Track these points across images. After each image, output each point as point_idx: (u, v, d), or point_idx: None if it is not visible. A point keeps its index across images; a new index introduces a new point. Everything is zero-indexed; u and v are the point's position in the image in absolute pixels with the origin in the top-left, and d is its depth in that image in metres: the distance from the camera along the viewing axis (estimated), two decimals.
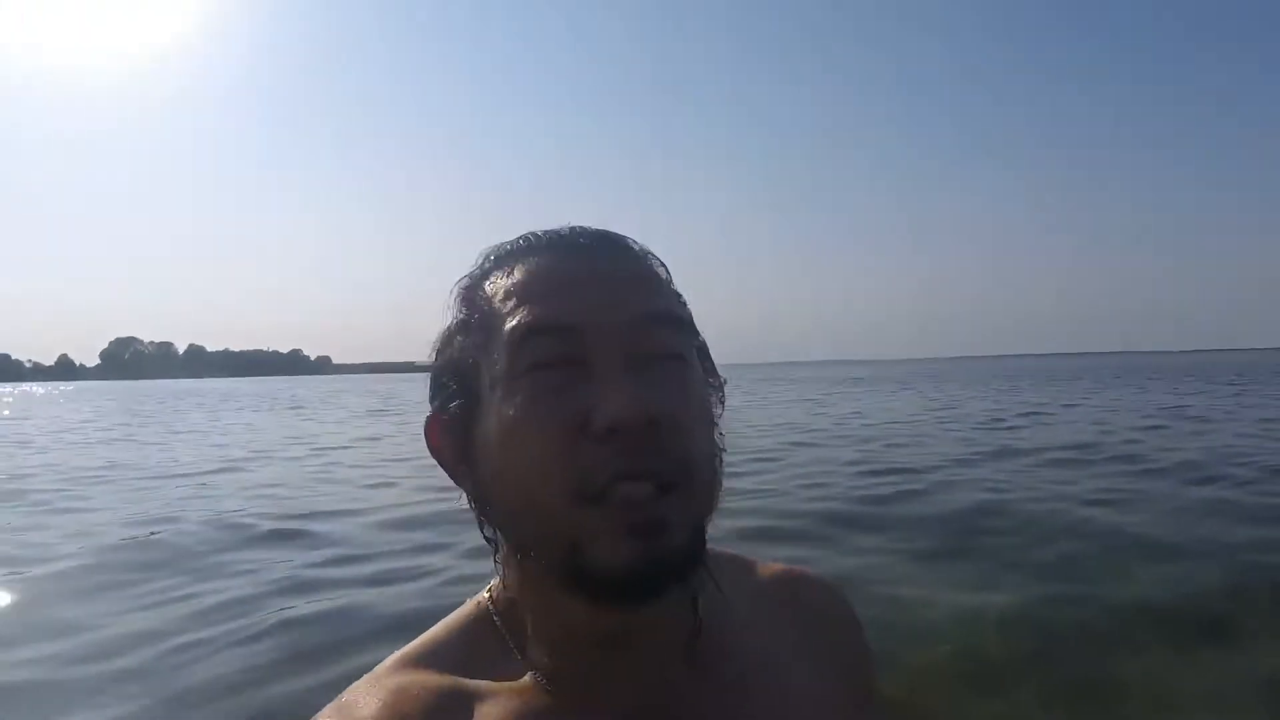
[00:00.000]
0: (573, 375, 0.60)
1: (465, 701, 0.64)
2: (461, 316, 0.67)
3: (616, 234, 0.69)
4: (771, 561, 0.83)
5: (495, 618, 0.70)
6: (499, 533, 0.66)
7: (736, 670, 0.70)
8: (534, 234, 0.68)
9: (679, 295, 0.69)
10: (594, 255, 0.65)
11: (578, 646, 0.65)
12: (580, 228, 0.67)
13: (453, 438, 0.66)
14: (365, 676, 0.68)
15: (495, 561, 0.70)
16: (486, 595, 0.73)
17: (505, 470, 0.61)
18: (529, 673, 0.66)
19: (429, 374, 0.70)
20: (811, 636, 0.76)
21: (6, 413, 31.69)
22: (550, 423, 0.59)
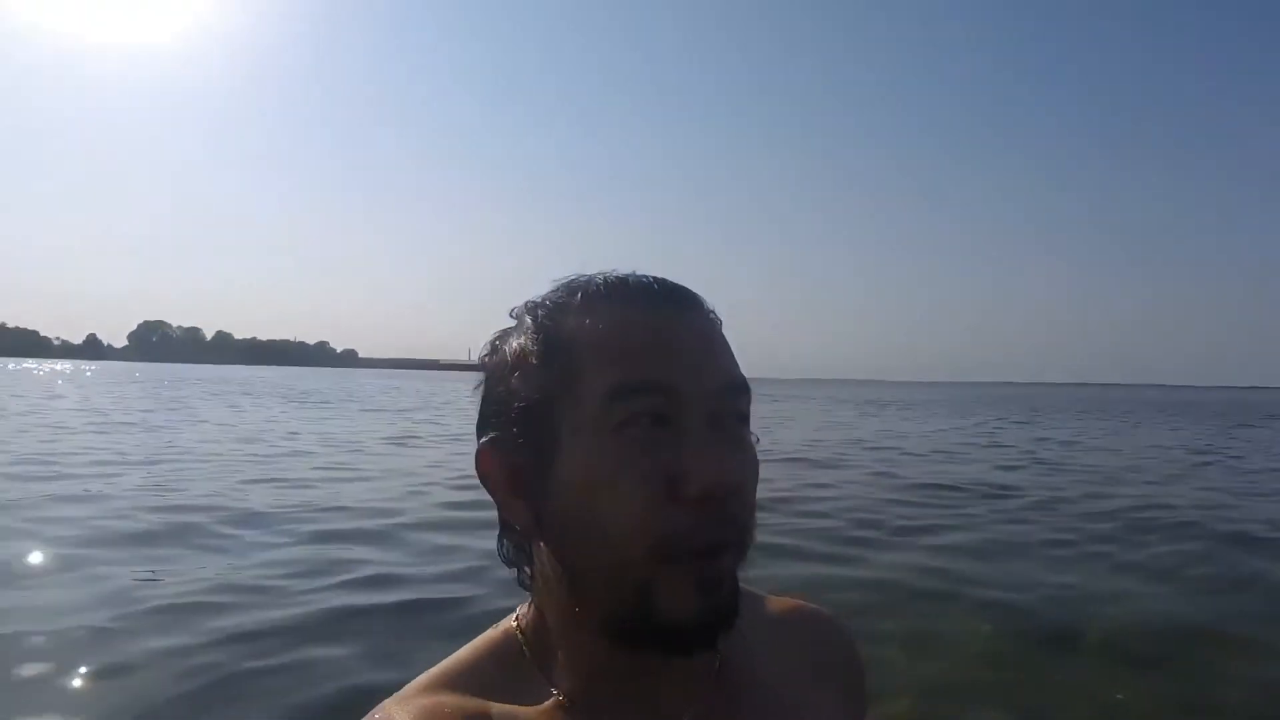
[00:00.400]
0: (663, 435, 0.62)
1: None
2: (537, 349, 0.66)
3: (688, 290, 0.70)
4: (774, 595, 0.85)
5: (524, 646, 0.71)
6: (553, 566, 0.67)
7: (756, 702, 0.72)
8: (616, 278, 0.69)
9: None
10: (682, 314, 0.67)
11: (607, 678, 0.67)
12: (659, 280, 0.69)
13: (510, 469, 0.67)
14: (394, 696, 0.68)
15: (526, 588, 0.72)
16: (514, 623, 0.73)
17: (587, 518, 0.62)
18: (557, 700, 0.67)
19: (481, 387, 0.71)
20: (820, 670, 0.79)
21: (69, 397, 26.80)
22: (641, 482, 0.61)
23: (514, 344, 0.68)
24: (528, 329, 0.68)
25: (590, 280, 0.69)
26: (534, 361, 0.66)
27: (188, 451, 11.63)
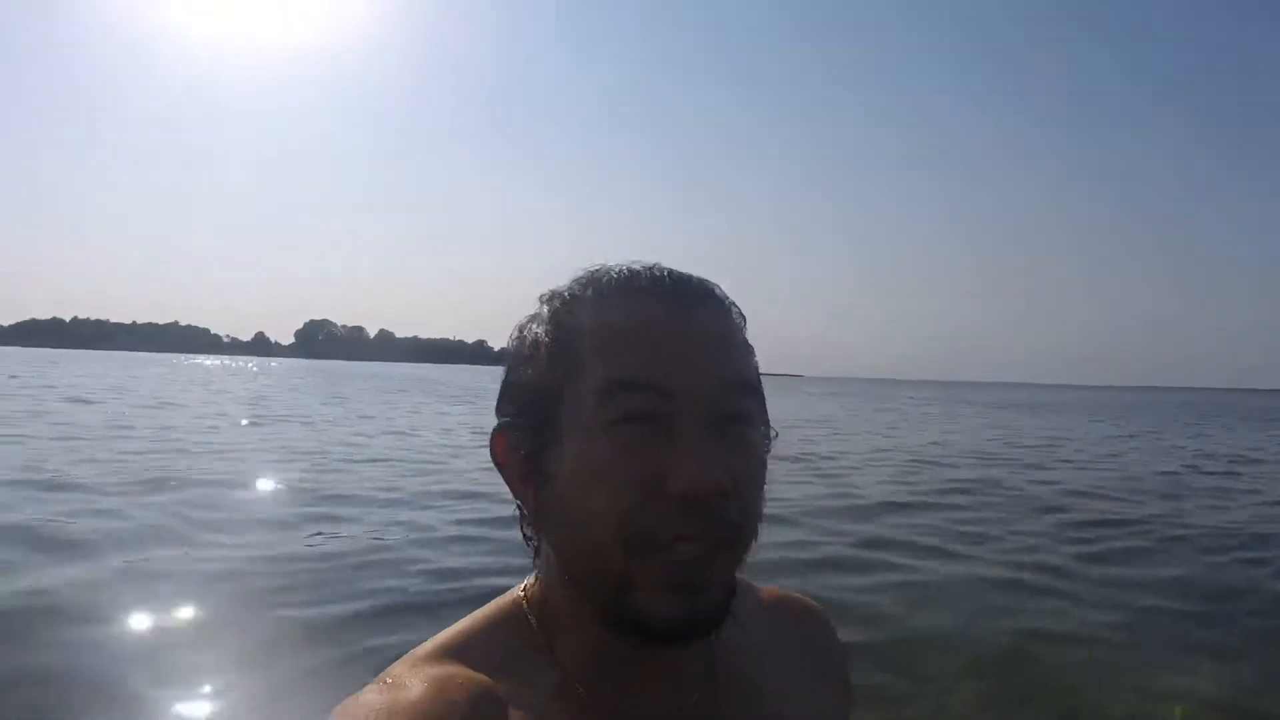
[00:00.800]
0: (653, 433, 0.62)
1: (503, 697, 0.65)
2: (549, 339, 0.67)
3: (707, 283, 0.70)
4: (762, 585, 0.87)
5: (530, 617, 0.72)
6: (551, 552, 0.69)
7: (751, 691, 0.75)
8: (630, 270, 0.69)
9: (750, 347, 0.71)
10: (687, 311, 0.67)
11: (609, 661, 0.68)
12: (675, 274, 0.69)
13: (520, 454, 0.68)
14: (403, 660, 0.69)
15: (534, 563, 0.73)
16: (522, 593, 0.74)
17: (574, 509, 0.64)
18: (564, 679, 0.68)
19: (503, 375, 0.72)
20: (807, 657, 0.82)
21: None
22: (627, 479, 0.62)
23: (531, 333, 0.69)
24: (543, 319, 0.69)
25: (605, 272, 0.69)
26: (545, 352, 0.67)
27: None
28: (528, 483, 0.67)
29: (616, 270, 0.69)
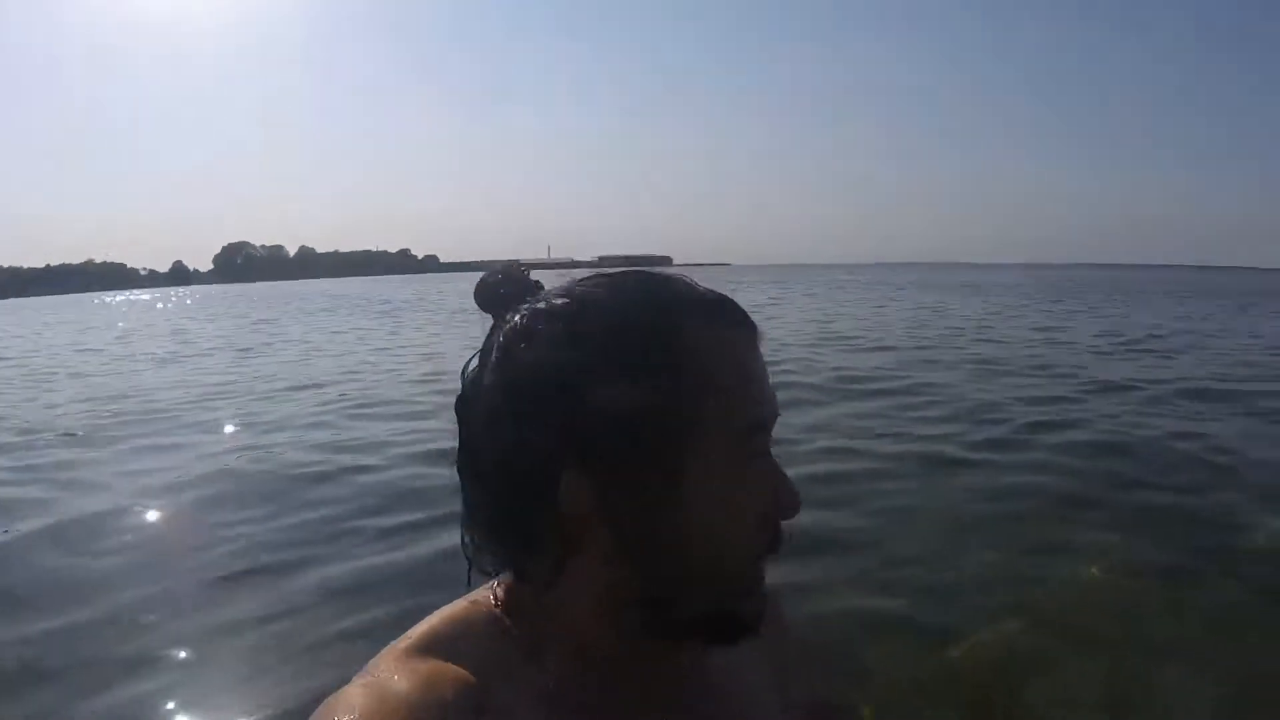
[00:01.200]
0: (761, 464, 0.68)
1: (492, 699, 0.65)
2: (653, 362, 0.64)
3: None
4: None
5: (511, 627, 0.71)
6: (622, 580, 0.67)
7: (726, 685, 0.77)
8: (711, 295, 0.70)
9: None
10: (759, 344, 0.71)
11: (606, 669, 0.70)
12: (735, 303, 0.71)
13: (600, 489, 0.65)
14: (386, 655, 0.68)
15: (529, 585, 0.71)
16: (492, 600, 0.73)
17: (710, 545, 0.66)
18: (547, 681, 0.68)
19: (521, 376, 0.66)
20: (764, 644, 0.80)
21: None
22: (759, 510, 0.67)
23: (608, 347, 0.65)
24: (628, 330, 0.65)
25: (681, 287, 0.69)
26: (649, 377, 0.64)
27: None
28: (609, 524, 0.66)
29: (690, 286, 0.69)
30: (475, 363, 0.70)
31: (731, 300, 0.70)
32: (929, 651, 3.05)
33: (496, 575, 0.73)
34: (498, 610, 0.72)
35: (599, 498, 0.65)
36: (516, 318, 0.68)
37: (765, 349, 0.72)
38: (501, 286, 0.71)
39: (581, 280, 0.69)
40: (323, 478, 5.49)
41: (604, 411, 0.63)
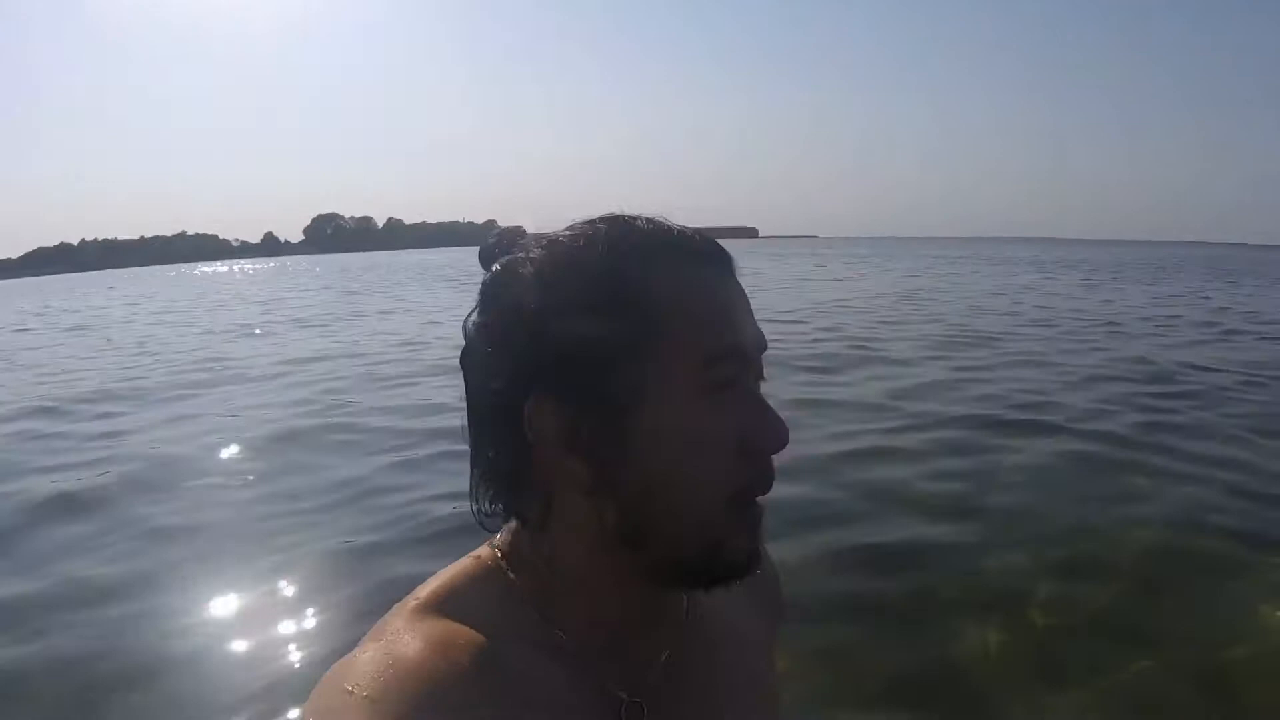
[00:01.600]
0: (733, 396, 0.66)
1: (502, 654, 0.66)
2: (610, 297, 0.65)
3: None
4: None
5: (515, 580, 0.72)
6: (606, 518, 0.67)
7: (721, 639, 0.79)
8: (675, 229, 0.70)
9: None
10: (734, 276, 0.71)
11: (607, 621, 0.71)
12: (710, 238, 0.71)
13: (566, 423, 0.66)
14: (395, 615, 0.69)
15: (524, 530, 0.72)
16: (497, 555, 0.74)
17: (676, 474, 0.65)
18: (556, 637, 0.70)
19: (492, 324, 0.69)
20: (759, 601, 0.87)
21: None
22: (727, 443, 0.65)
23: (566, 281, 0.66)
24: (594, 271, 0.66)
25: (648, 225, 0.69)
26: (609, 309, 0.65)
27: None
28: (578, 453, 0.66)
29: (654, 224, 0.70)
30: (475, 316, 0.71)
31: (702, 237, 0.70)
32: None
33: (501, 527, 0.74)
34: (503, 564, 0.73)
35: (564, 427, 0.66)
36: (496, 266, 0.70)
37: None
38: (497, 246, 0.71)
39: (564, 229, 0.69)
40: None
41: (562, 343, 0.65)
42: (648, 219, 0.70)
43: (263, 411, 7.46)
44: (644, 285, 0.66)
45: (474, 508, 0.72)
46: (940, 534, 4.11)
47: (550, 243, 0.69)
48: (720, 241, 0.72)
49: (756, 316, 0.71)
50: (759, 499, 0.68)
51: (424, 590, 0.71)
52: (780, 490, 0.67)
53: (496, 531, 0.74)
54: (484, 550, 0.75)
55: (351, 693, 0.60)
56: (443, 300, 21.72)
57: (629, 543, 0.67)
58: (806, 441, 5.49)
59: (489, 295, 0.69)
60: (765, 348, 0.70)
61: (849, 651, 3.12)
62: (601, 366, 0.65)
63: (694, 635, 0.76)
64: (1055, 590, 3.50)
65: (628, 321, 0.65)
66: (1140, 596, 3.42)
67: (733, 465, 0.65)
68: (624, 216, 0.70)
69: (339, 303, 22.51)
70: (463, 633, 0.66)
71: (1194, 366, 8.43)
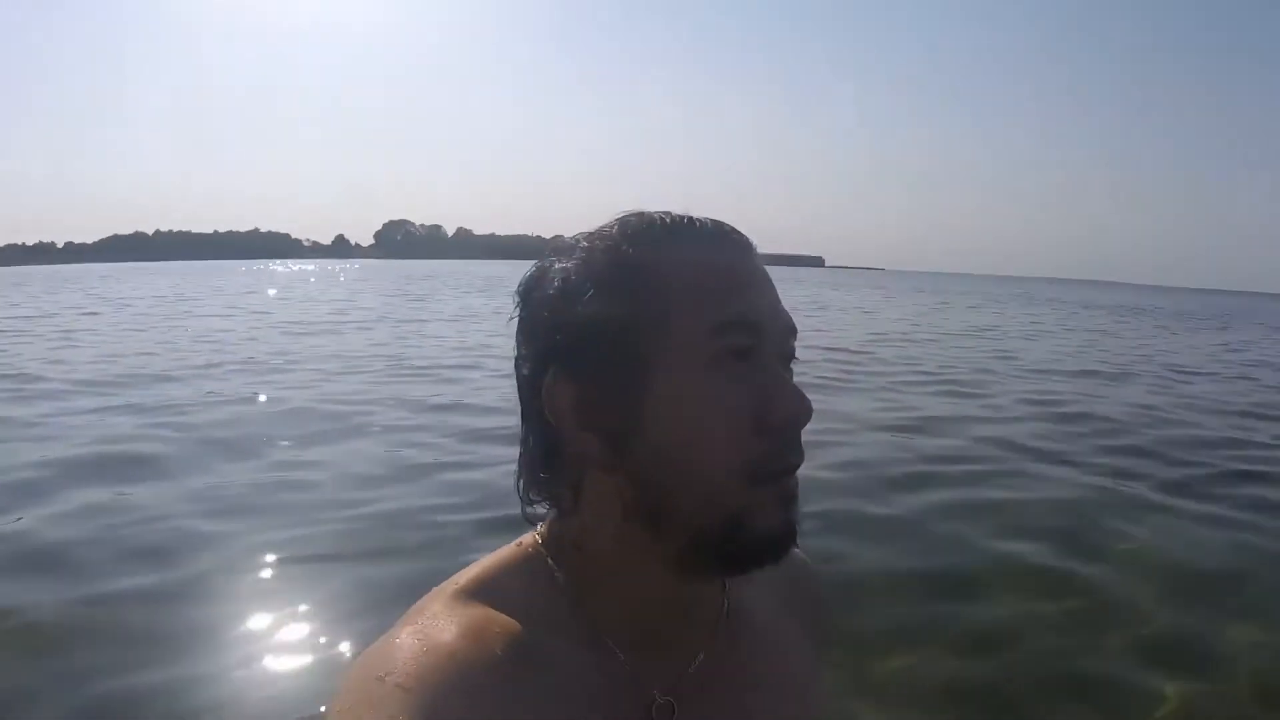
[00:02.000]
0: (748, 369, 0.66)
1: (537, 644, 0.66)
2: (619, 277, 0.67)
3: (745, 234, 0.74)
4: None
5: (553, 565, 0.72)
6: (626, 494, 0.67)
7: (758, 643, 0.78)
8: (686, 217, 0.71)
9: None
10: (752, 256, 0.71)
11: (646, 611, 0.71)
12: (723, 223, 0.72)
13: (580, 398, 0.67)
14: (432, 599, 0.70)
15: (549, 514, 0.74)
16: (538, 542, 0.74)
17: (684, 447, 0.65)
18: (593, 629, 0.70)
19: (521, 315, 0.72)
20: (797, 610, 0.86)
21: None
22: (739, 412, 0.65)
23: (585, 271, 0.68)
24: (605, 257, 0.68)
25: (661, 217, 0.70)
26: (618, 289, 0.66)
27: None
28: (592, 429, 0.67)
29: (669, 215, 0.71)
30: None
31: (723, 226, 0.71)
32: None
33: (543, 517, 0.74)
34: (542, 551, 0.73)
35: (578, 403, 0.66)
36: (532, 266, 0.72)
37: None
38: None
39: (595, 229, 0.71)
40: None
41: (575, 323, 0.66)
42: (669, 212, 0.71)
43: None
44: (653, 262, 0.67)
45: (520, 497, 0.73)
46: None
47: (577, 241, 0.71)
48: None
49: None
50: (790, 476, 0.67)
51: (463, 576, 0.72)
52: None
53: (539, 522, 0.75)
54: (527, 538, 0.75)
55: (383, 680, 0.60)
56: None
57: (650, 519, 0.66)
58: None
59: (522, 292, 0.72)
60: (794, 330, 0.71)
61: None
62: (611, 342, 0.66)
63: (731, 637, 0.76)
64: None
65: (636, 297, 0.66)
66: None
67: (746, 437, 0.65)
68: (648, 212, 0.71)
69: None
70: (497, 620, 0.67)
71: None
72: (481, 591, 0.69)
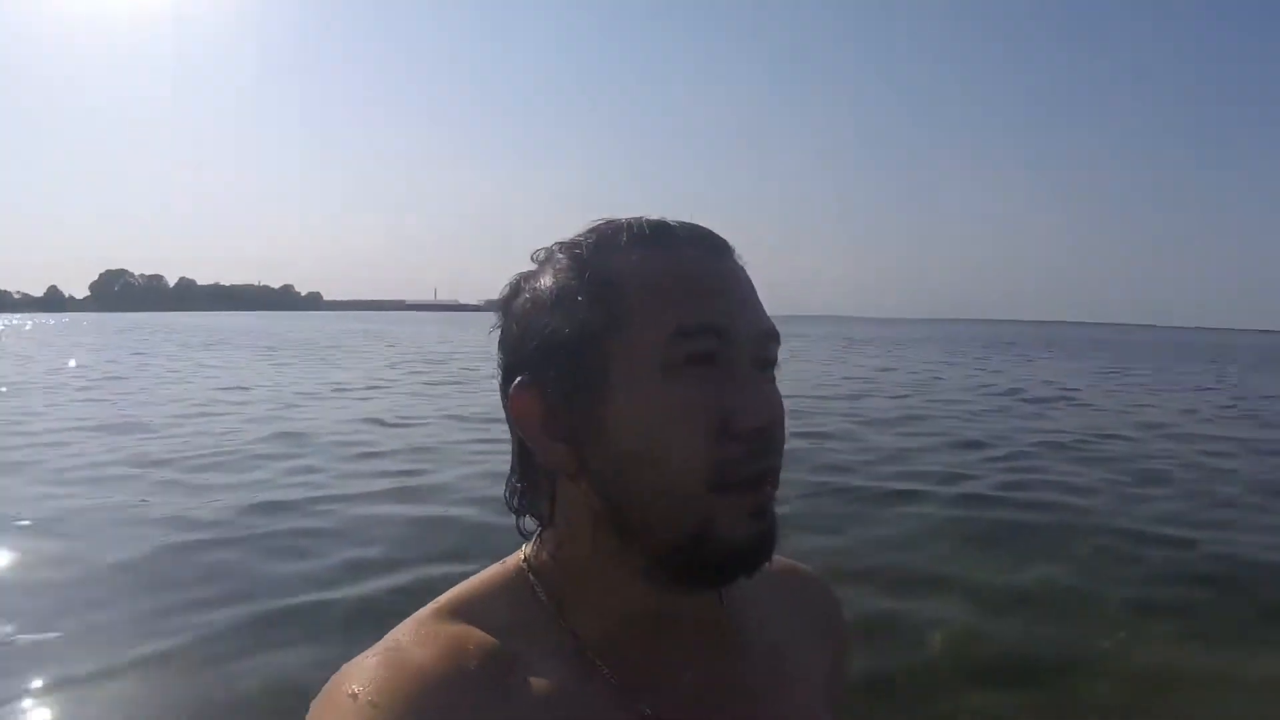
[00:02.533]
0: (714, 374, 0.64)
1: (516, 660, 0.66)
2: (582, 286, 0.67)
3: (721, 236, 0.72)
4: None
5: (535, 582, 0.72)
6: (595, 506, 0.67)
7: (757, 659, 0.75)
8: (656, 221, 0.70)
9: None
10: (724, 259, 0.70)
11: (629, 625, 0.69)
12: (698, 226, 0.71)
13: (547, 409, 0.67)
14: (409, 622, 0.69)
15: (538, 529, 0.73)
16: (523, 563, 0.74)
17: (646, 455, 0.64)
18: (575, 644, 0.69)
19: (499, 329, 0.72)
20: (812, 630, 0.84)
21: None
22: (701, 419, 0.63)
23: (549, 282, 0.68)
24: (568, 267, 0.68)
25: (630, 223, 0.70)
26: (579, 299, 0.66)
27: None
28: (557, 438, 0.67)
29: (639, 221, 0.70)
30: None
31: (688, 225, 0.70)
32: None
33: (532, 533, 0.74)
34: (524, 567, 0.73)
35: (544, 413, 0.67)
36: (512, 278, 0.72)
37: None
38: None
39: (568, 238, 0.71)
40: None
41: (542, 335, 0.67)
42: (639, 217, 0.70)
43: None
44: (615, 269, 0.66)
45: (510, 509, 0.74)
46: None
47: (549, 249, 0.71)
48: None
49: None
50: (762, 485, 0.65)
51: (444, 597, 0.71)
52: None
53: (531, 535, 0.74)
54: (512, 556, 0.75)
55: (355, 697, 0.60)
56: None
57: (617, 529, 0.66)
58: None
59: (501, 305, 0.72)
60: (772, 334, 0.68)
61: None
62: (573, 351, 0.65)
63: (727, 652, 0.74)
64: None
65: (595, 305, 0.65)
66: None
67: (710, 444, 0.63)
68: (615, 219, 0.71)
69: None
70: (474, 636, 0.66)
71: None
72: (461, 610, 0.69)
